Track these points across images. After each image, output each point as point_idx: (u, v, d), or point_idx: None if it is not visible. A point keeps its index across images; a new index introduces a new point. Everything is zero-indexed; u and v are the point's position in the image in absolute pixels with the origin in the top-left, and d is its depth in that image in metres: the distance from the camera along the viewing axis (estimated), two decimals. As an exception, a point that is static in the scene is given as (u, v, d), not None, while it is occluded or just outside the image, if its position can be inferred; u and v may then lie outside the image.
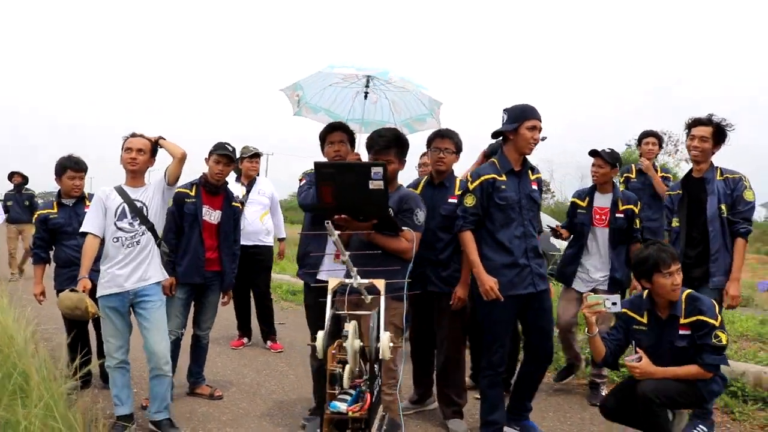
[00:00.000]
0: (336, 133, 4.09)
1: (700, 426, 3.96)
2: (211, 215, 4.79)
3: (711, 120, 4.26)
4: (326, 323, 2.58)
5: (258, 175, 6.62)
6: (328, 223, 2.58)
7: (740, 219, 4.21)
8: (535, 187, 3.94)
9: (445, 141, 4.27)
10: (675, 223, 4.53)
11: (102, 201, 4.01)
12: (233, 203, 4.97)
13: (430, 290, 4.12)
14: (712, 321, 3.45)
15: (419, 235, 3.61)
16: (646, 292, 3.71)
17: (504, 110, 3.88)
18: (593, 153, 4.82)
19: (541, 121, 3.81)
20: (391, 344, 2.53)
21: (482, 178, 3.86)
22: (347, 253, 2.69)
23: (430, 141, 4.36)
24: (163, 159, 4.27)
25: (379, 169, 2.97)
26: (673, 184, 4.72)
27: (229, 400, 4.91)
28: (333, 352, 2.55)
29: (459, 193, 4.09)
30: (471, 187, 3.89)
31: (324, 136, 4.13)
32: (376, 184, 2.97)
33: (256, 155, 6.51)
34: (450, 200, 4.17)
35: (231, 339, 6.79)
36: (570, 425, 4.42)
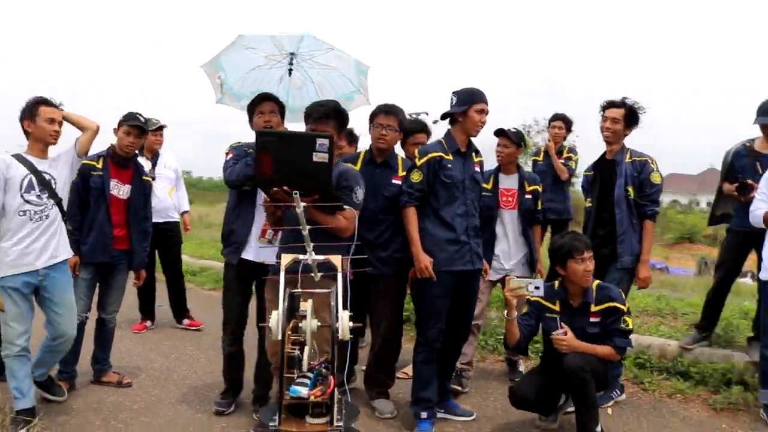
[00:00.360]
0: (266, 103, 3.89)
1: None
2: (120, 190, 4.43)
3: (624, 102, 4.38)
4: (280, 302, 2.41)
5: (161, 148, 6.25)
6: (296, 194, 2.39)
7: (647, 201, 4.36)
8: (477, 169, 3.96)
9: (390, 118, 4.15)
10: (588, 203, 4.67)
11: (2, 172, 3.59)
12: (144, 177, 4.63)
13: (366, 272, 4.01)
14: (622, 307, 3.67)
15: (357, 214, 3.50)
16: (557, 282, 3.83)
17: (453, 93, 3.87)
18: (499, 132, 4.72)
19: (487, 105, 3.83)
20: (351, 324, 2.40)
21: (429, 155, 3.83)
22: (308, 227, 2.52)
23: (373, 116, 4.22)
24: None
25: (325, 141, 2.80)
26: (588, 166, 4.83)
27: (140, 387, 4.60)
28: (288, 333, 2.38)
29: (404, 173, 3.99)
30: (419, 163, 3.84)
31: (253, 107, 3.92)
32: (320, 157, 2.79)
33: (160, 128, 6.14)
34: (394, 181, 4.08)
35: (132, 323, 6.39)
36: (494, 401, 4.48)
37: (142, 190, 4.58)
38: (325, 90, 4.57)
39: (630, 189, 4.35)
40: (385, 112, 4.16)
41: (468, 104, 3.77)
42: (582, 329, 3.69)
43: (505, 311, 3.77)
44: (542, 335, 3.92)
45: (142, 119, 4.40)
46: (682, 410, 4.37)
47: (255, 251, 3.85)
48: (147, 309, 6.39)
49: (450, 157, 3.82)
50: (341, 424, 2.21)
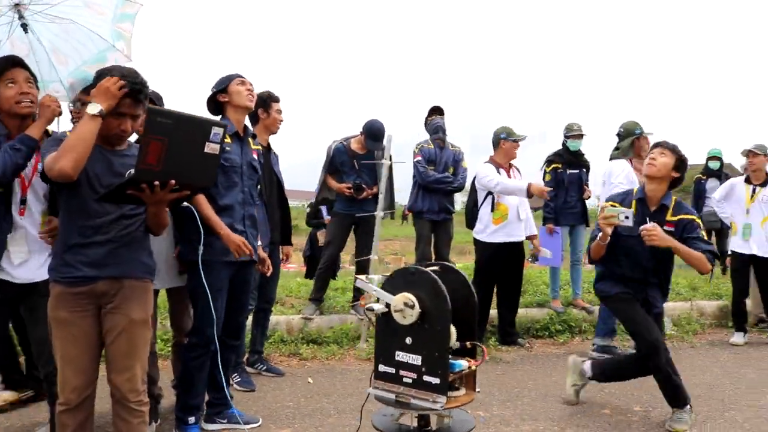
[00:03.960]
0: (18, 69, 3.00)
1: None
2: None
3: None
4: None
5: None
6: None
7: None
8: (255, 156, 3.78)
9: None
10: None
11: None
12: None
13: None
14: (698, 220, 3.85)
15: None
16: (635, 189, 4.07)
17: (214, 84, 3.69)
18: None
19: (246, 79, 3.68)
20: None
21: None
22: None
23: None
24: None
25: (220, 130, 2.53)
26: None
27: None
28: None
29: None
30: None
31: None
32: (212, 148, 2.51)
33: None
34: None
35: None
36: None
37: None
38: (62, 56, 3.42)
39: None
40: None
41: (227, 81, 3.62)
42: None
43: (599, 235, 3.78)
44: (608, 250, 3.88)
45: None
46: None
47: (16, 268, 3.01)
48: None
49: (228, 140, 3.59)
50: (478, 390, 2.23)
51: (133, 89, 2.56)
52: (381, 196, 5.52)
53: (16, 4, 3.34)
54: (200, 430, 3.60)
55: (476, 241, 5.85)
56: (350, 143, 5.89)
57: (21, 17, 3.33)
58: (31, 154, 2.84)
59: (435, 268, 2.30)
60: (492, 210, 5.64)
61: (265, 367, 4.85)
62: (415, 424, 2.23)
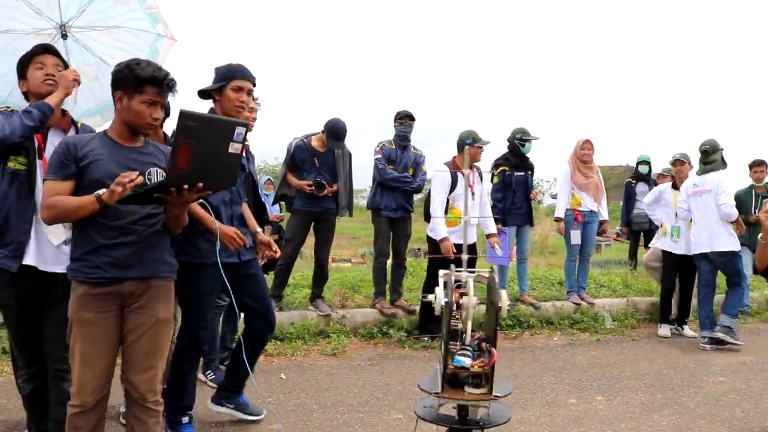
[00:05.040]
0: (49, 56, 3.02)
1: None
2: None
3: None
4: (440, 281, 2.31)
5: None
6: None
7: None
8: (243, 153, 3.68)
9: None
10: None
11: None
12: None
13: None
14: None
15: None
16: None
17: (215, 69, 3.54)
18: None
19: (252, 83, 3.55)
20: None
21: None
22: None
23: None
24: None
25: (242, 130, 2.53)
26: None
27: None
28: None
29: None
30: None
31: (28, 60, 3.00)
32: (235, 148, 2.52)
33: None
34: None
35: None
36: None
37: None
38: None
39: None
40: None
41: (225, 81, 3.47)
42: None
43: (759, 234, 3.60)
44: None
45: None
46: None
47: (40, 256, 2.88)
48: None
49: None
50: (499, 394, 2.30)
51: (160, 80, 2.59)
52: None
53: (62, 25, 3.26)
54: (193, 429, 3.59)
55: (429, 239, 6.04)
56: (311, 140, 5.89)
57: (64, 36, 3.27)
58: (44, 118, 2.81)
59: (486, 273, 2.40)
60: (446, 213, 5.80)
61: (235, 364, 4.83)
62: (455, 413, 2.35)
